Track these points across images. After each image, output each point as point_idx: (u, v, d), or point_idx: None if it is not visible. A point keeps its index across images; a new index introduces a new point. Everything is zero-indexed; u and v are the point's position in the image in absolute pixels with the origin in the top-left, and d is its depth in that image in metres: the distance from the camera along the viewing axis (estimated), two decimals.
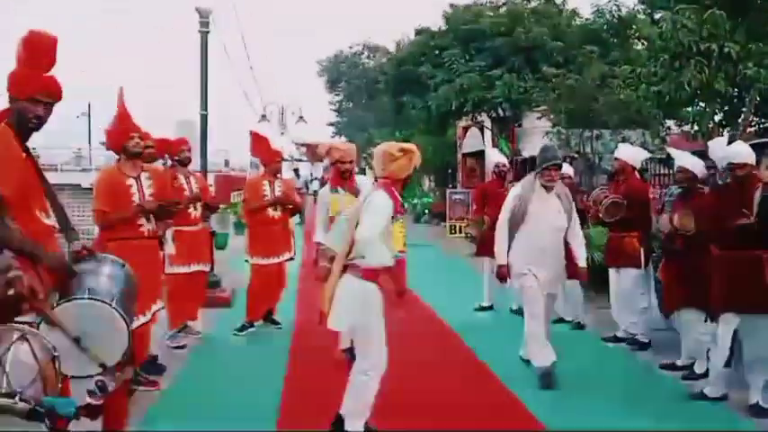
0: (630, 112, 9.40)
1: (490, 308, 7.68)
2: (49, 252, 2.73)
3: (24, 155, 2.85)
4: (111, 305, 2.81)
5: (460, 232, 16.23)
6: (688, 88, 7.05)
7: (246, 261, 6.65)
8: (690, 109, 8.70)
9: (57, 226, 2.95)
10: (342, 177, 5.30)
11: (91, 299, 2.78)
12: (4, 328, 2.24)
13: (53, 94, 2.93)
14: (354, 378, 3.80)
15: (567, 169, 7.25)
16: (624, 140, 10.00)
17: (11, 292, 1.34)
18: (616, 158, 6.35)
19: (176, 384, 4.97)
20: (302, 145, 38.86)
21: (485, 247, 7.68)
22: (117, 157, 4.72)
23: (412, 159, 3.87)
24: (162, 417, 4.30)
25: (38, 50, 2.91)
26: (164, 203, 4.70)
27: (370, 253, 3.69)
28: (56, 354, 2.33)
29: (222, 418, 4.26)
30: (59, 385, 2.42)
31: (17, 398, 2.12)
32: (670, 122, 10.38)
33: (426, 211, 20.72)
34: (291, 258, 6.79)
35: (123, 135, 4.55)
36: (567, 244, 5.32)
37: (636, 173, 6.31)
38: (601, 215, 5.98)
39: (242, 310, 6.69)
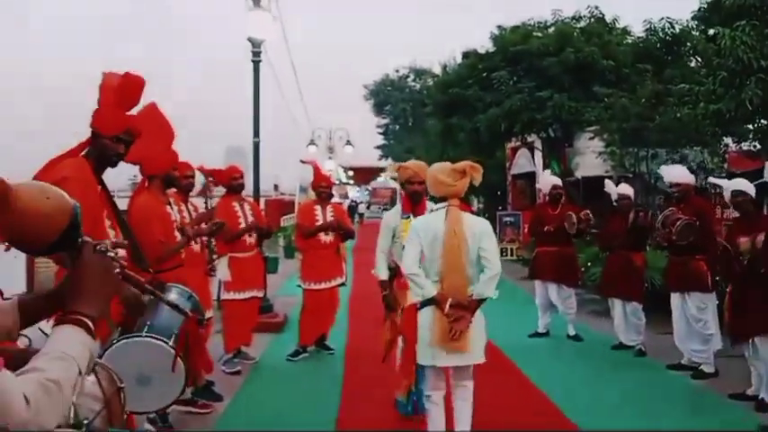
0: (687, 131, 9.14)
1: (546, 334, 7.49)
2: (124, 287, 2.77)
3: (99, 187, 2.94)
4: (169, 344, 2.82)
5: (511, 255, 16.00)
6: (749, 106, 6.80)
7: (299, 286, 6.69)
8: (750, 126, 8.41)
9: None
10: (412, 200, 4.75)
11: (149, 337, 2.79)
12: None
13: (135, 133, 3.04)
14: (468, 402, 3.86)
15: (626, 189, 7.08)
16: (682, 159, 9.74)
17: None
18: (677, 184, 6.06)
19: (231, 410, 4.98)
20: (348, 168, 39.35)
21: (539, 269, 7.57)
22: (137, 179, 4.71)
23: (474, 176, 3.90)
24: None
25: (129, 93, 3.04)
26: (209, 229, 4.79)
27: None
28: (122, 385, 2.35)
29: None
30: (125, 417, 2.44)
31: (83, 429, 2.14)
32: (728, 140, 10.05)
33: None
34: (343, 284, 6.79)
35: (168, 162, 4.55)
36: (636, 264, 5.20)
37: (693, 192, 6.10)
38: (674, 237, 5.74)
39: (294, 334, 6.72)
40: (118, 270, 1.41)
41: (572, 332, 7.36)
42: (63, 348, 1.21)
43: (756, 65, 6.73)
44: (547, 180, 7.94)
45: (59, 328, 1.26)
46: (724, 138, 9.78)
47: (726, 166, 11.01)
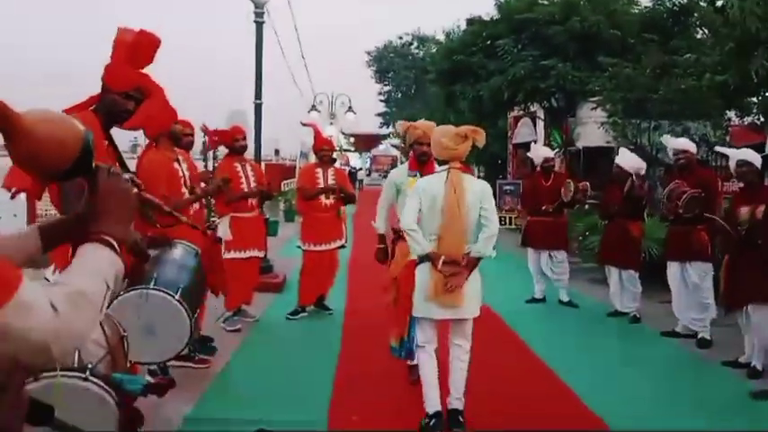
0: (691, 103, 9.10)
1: (542, 300, 7.59)
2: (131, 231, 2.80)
3: (107, 143, 2.95)
4: (175, 298, 2.87)
5: (510, 224, 16.06)
6: (755, 77, 6.77)
7: (299, 247, 6.75)
8: (755, 99, 8.37)
9: None
10: (419, 161, 4.73)
11: (156, 289, 2.84)
12: None
13: (146, 90, 3.03)
14: (463, 363, 3.93)
15: (625, 158, 7.06)
16: (684, 131, 9.71)
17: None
18: (683, 151, 6.07)
19: (231, 367, 5.07)
20: (350, 135, 39.16)
21: (529, 238, 7.65)
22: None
23: (476, 140, 3.90)
24: (216, 398, 4.39)
25: (143, 50, 3.01)
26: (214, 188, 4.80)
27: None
28: (124, 334, 2.39)
29: (276, 401, 4.33)
30: (128, 365, 2.49)
31: (88, 372, 2.19)
32: (731, 114, 10.01)
33: None
34: (343, 246, 6.84)
35: (169, 118, 4.57)
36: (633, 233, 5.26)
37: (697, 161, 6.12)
38: (681, 211, 5.76)
39: (294, 295, 6.80)
40: (135, 191, 1.44)
41: (565, 298, 7.45)
42: (88, 264, 1.22)
43: (764, 35, 6.67)
44: (539, 152, 7.96)
45: (84, 247, 1.27)
46: (727, 111, 9.75)
47: (728, 139, 10.98)
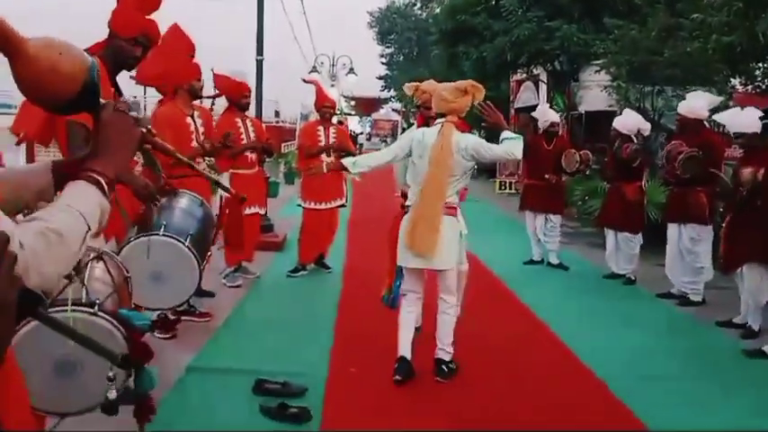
0: (695, 67, 9.00)
1: (540, 262, 7.64)
2: (136, 175, 2.80)
3: (113, 90, 2.93)
4: (185, 244, 2.89)
5: (510, 188, 16.08)
6: (762, 39, 6.68)
7: (299, 205, 6.77)
8: (760, 65, 8.28)
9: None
10: (427, 125, 4.61)
11: (165, 235, 2.86)
12: None
13: (153, 38, 3.00)
14: (446, 315, 4.04)
15: (643, 123, 7.01)
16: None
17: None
18: (678, 114, 6.11)
19: (232, 321, 5.13)
20: (351, 98, 38.82)
21: (527, 201, 7.66)
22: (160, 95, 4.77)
23: (476, 96, 3.96)
24: (217, 350, 4.46)
25: None
26: (223, 142, 4.81)
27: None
28: (128, 275, 2.42)
29: (275, 354, 4.40)
30: (132, 305, 2.53)
31: (96, 308, 2.23)
32: (735, 81, 9.92)
33: (475, 166, 20.49)
34: (343, 205, 6.86)
35: (191, 73, 4.61)
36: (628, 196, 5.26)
37: (706, 124, 6.05)
38: (678, 172, 5.76)
39: (294, 254, 6.84)
40: (142, 130, 1.36)
41: (554, 261, 7.49)
42: (71, 202, 1.18)
43: None
44: (546, 115, 7.82)
45: (71, 184, 1.23)
46: (732, 78, 9.65)
47: (732, 104, 10.89)
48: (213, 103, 6.19)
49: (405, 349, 3.99)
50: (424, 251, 3.87)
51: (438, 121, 4.04)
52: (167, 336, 4.49)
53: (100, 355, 1.38)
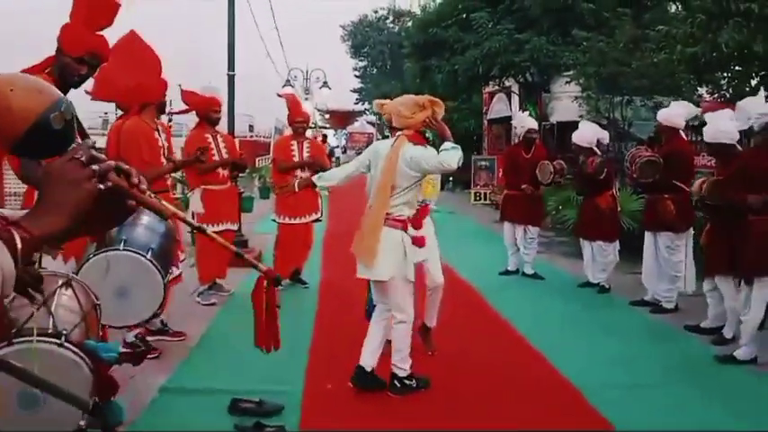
0: (662, 77, 9.19)
1: (516, 272, 7.67)
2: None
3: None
4: (146, 257, 2.85)
5: (485, 199, 16.17)
6: (725, 49, 6.84)
7: (274, 221, 6.72)
8: (724, 74, 8.47)
9: None
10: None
11: (126, 250, 2.81)
12: (48, 274, 2.28)
13: (101, 56, 2.95)
14: (394, 330, 4.01)
15: (600, 132, 7.13)
16: (656, 106, 9.80)
17: (102, 186, 1.11)
18: (657, 122, 6.22)
19: (206, 339, 5.06)
20: (325, 112, 38.81)
21: (507, 212, 7.69)
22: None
23: (436, 110, 4.01)
24: (191, 370, 4.39)
25: (100, 12, 2.92)
26: (191, 159, 4.79)
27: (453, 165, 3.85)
28: (98, 302, 2.37)
29: (251, 372, 4.33)
30: (100, 333, 2.47)
31: (63, 338, 2.17)
32: (702, 90, 10.13)
33: (450, 178, 20.60)
34: (318, 220, 6.83)
35: (160, 89, 4.59)
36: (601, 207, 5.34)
37: (681, 133, 6.13)
38: (635, 176, 5.85)
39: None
40: (102, 186, 1.12)
41: (529, 271, 7.54)
42: None
43: (734, 8, 6.72)
44: (524, 122, 7.87)
45: None
46: (698, 87, 9.86)
47: (699, 114, 11.11)
48: (171, 120, 6.15)
49: (364, 359, 4.01)
50: (364, 261, 3.93)
51: (397, 134, 4.09)
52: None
53: (69, 404, 1.30)
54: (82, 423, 1.87)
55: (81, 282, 2.37)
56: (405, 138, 4.00)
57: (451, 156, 3.82)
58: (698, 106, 10.54)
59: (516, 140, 7.89)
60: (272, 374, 4.28)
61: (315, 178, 4.59)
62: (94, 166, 1.11)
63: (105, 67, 3.14)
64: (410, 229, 4.05)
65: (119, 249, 2.75)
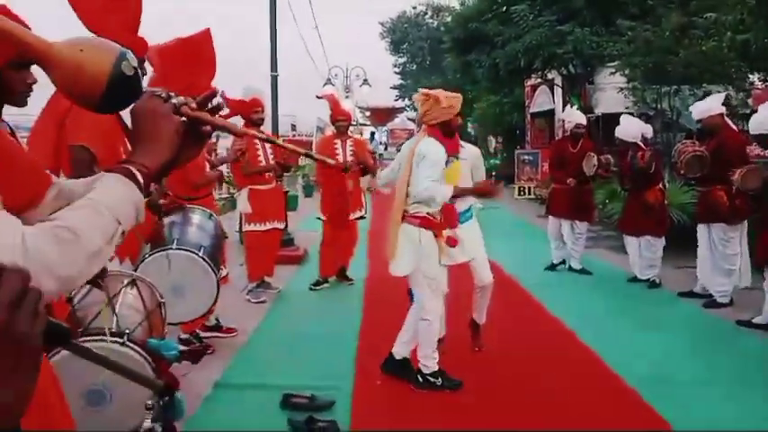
0: (712, 65, 8.94)
1: (562, 263, 7.60)
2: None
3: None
4: (200, 255, 2.95)
5: (529, 193, 16.01)
6: None
7: (319, 219, 6.81)
8: None
9: None
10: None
11: (180, 249, 2.92)
12: (114, 274, 2.39)
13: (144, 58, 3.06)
14: (418, 326, 4.05)
15: (644, 127, 6.99)
16: (705, 95, 9.55)
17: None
18: (698, 121, 6.08)
19: (257, 336, 5.18)
20: (366, 109, 38.96)
21: (554, 206, 7.61)
22: None
23: (453, 105, 4.00)
24: (243, 366, 4.50)
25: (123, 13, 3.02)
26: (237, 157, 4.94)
27: (431, 202, 3.91)
28: (162, 300, 2.47)
29: (301, 368, 4.43)
30: (165, 331, 2.57)
31: (125, 338, 2.27)
32: (753, 77, 9.82)
33: (493, 172, 20.46)
34: (363, 217, 6.89)
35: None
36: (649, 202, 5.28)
37: (728, 121, 5.97)
38: (682, 171, 5.75)
39: (315, 267, 6.89)
40: (180, 115, 1.20)
41: (577, 266, 7.45)
42: (94, 196, 1.08)
43: None
44: (572, 116, 7.75)
45: (102, 177, 1.13)
46: (749, 75, 9.56)
47: (750, 102, 10.78)
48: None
49: (395, 347, 4.18)
50: (388, 256, 4.00)
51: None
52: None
53: (140, 384, 1.37)
54: (148, 420, 1.95)
55: (146, 281, 2.47)
56: (424, 133, 4.07)
57: (432, 192, 3.84)
58: (749, 94, 10.27)
59: (562, 134, 7.76)
60: (323, 370, 4.37)
61: (378, 182, 4.71)
62: (173, 100, 1.20)
63: (165, 64, 3.23)
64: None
65: (172, 248, 2.86)
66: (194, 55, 3.95)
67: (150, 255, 2.97)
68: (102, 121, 2.85)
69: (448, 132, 4.06)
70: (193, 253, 2.83)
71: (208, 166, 4.81)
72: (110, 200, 1.08)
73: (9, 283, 0.62)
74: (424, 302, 4.03)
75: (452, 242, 4.08)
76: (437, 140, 4.00)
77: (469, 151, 4.61)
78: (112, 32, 2.92)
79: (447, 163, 4.01)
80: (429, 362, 4.05)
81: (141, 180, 1.13)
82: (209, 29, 4.02)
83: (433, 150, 3.95)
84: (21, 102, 2.21)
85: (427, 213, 3.98)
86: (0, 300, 0.61)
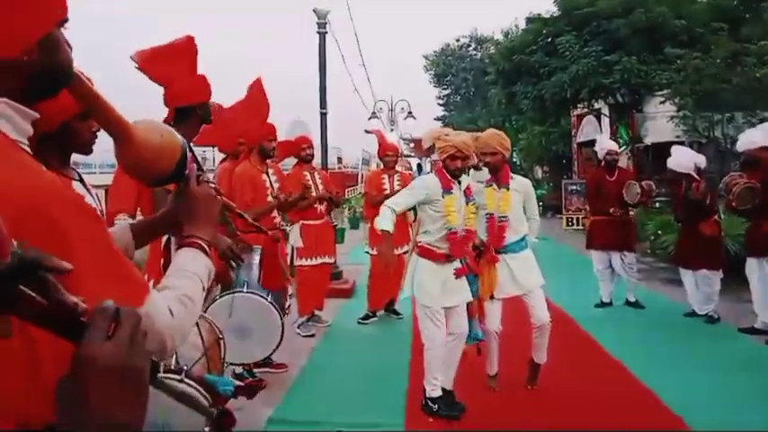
0: (767, 92, 8.75)
1: (610, 304, 7.35)
2: (221, 237, 2.93)
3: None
4: (267, 300, 3.01)
5: (578, 224, 15.76)
6: None
7: (367, 252, 6.86)
8: None
9: None
10: (489, 171, 4.62)
11: (250, 293, 3.00)
12: None
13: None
14: (428, 352, 4.23)
15: (697, 157, 6.82)
16: (761, 122, 9.31)
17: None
18: (741, 152, 5.98)
19: (308, 370, 5.21)
20: (410, 141, 39.24)
21: (596, 238, 7.36)
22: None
23: (442, 148, 4.16)
24: (296, 401, 4.52)
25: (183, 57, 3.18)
26: (297, 197, 5.05)
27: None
28: (221, 336, 2.53)
29: (353, 404, 4.43)
30: (223, 368, 2.62)
31: (183, 374, 2.32)
32: None
33: (540, 203, 20.24)
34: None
35: (264, 135, 4.89)
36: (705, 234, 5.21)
37: None
38: (734, 203, 5.61)
39: (363, 300, 6.92)
40: (219, 198, 1.51)
41: (632, 299, 7.24)
42: (188, 268, 1.33)
43: None
44: (603, 143, 7.58)
45: (181, 251, 1.38)
46: None
47: None
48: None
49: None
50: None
51: None
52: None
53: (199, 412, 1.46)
54: None
55: (206, 317, 2.54)
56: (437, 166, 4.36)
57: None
58: None
59: (601, 164, 7.56)
60: (374, 406, 4.36)
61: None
62: (212, 185, 1.49)
63: (228, 118, 3.39)
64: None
65: (243, 292, 2.94)
66: (251, 105, 4.18)
67: (221, 296, 3.07)
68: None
69: (450, 171, 4.17)
70: (262, 297, 2.93)
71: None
72: (198, 269, 1.35)
73: (128, 322, 0.75)
74: (422, 330, 4.23)
75: (459, 272, 4.18)
76: (436, 175, 4.23)
77: (520, 182, 4.63)
78: (179, 79, 3.09)
79: (443, 195, 4.14)
80: (429, 386, 4.20)
81: (209, 252, 1.40)
82: (259, 78, 4.31)
83: (418, 184, 4.37)
84: (87, 150, 2.35)
85: (427, 243, 4.18)
86: (122, 335, 0.73)
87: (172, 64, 3.10)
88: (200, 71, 3.18)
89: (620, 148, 9.91)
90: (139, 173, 1.43)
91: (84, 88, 1.25)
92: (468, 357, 4.42)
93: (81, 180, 2.43)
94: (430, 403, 4.18)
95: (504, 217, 4.46)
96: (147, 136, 1.38)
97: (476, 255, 4.48)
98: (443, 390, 4.21)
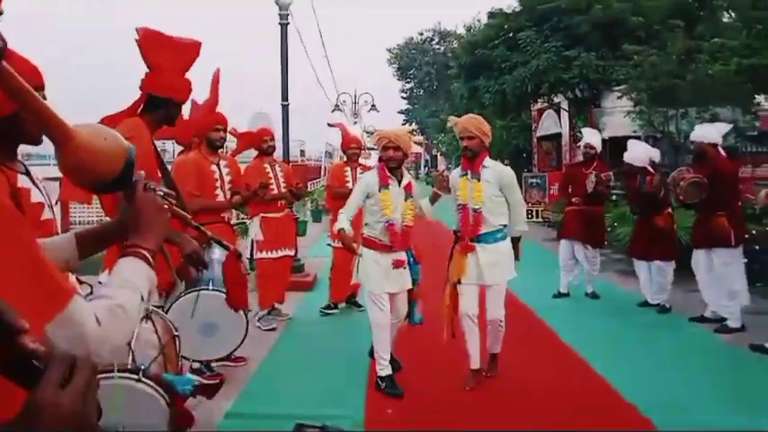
0: (719, 89, 8.99)
1: (567, 295, 7.51)
2: (188, 239, 2.85)
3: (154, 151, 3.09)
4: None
5: (537, 217, 16.00)
6: None
7: (329, 245, 6.85)
8: None
9: None
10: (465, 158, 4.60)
11: (215, 290, 2.96)
12: None
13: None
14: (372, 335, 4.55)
15: (652, 151, 7.00)
16: (713, 118, 9.57)
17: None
18: (692, 142, 6.19)
19: (268, 364, 5.18)
20: (371, 133, 39.27)
21: (567, 228, 7.57)
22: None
23: (379, 136, 4.56)
24: (255, 395, 4.49)
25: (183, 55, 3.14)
26: (250, 195, 4.99)
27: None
28: (177, 333, 2.49)
29: (312, 396, 4.41)
30: (180, 364, 2.59)
31: (140, 374, 2.29)
32: (760, 98, 9.86)
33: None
34: None
35: (210, 125, 4.80)
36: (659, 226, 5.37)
37: (721, 151, 6.03)
38: (681, 197, 5.80)
39: (324, 293, 6.91)
40: (166, 206, 1.47)
41: (589, 290, 7.43)
42: (127, 277, 1.30)
43: None
44: (587, 138, 7.70)
45: (122, 260, 1.35)
46: (756, 96, 9.60)
47: (758, 124, 10.81)
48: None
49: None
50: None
51: None
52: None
53: None
54: None
55: (161, 314, 2.50)
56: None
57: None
58: (757, 116, 10.30)
59: (570, 158, 7.77)
60: (333, 398, 4.36)
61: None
62: (159, 192, 1.45)
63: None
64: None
65: (208, 289, 2.91)
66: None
67: (186, 293, 3.04)
68: (149, 152, 2.96)
69: (388, 166, 4.48)
70: (223, 293, 2.90)
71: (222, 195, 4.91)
72: (138, 280, 1.32)
73: (84, 371, 0.77)
74: (369, 313, 4.53)
75: (395, 264, 4.43)
76: (377, 172, 4.53)
77: (494, 171, 4.55)
78: (169, 70, 3.04)
79: (380, 190, 4.44)
80: (378, 367, 4.47)
81: (152, 261, 1.38)
82: (218, 68, 4.33)
83: (360, 181, 4.75)
84: (36, 141, 2.28)
85: (368, 234, 4.51)
86: (77, 383, 0.75)
87: (170, 54, 3.07)
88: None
89: (576, 142, 10.12)
90: (77, 177, 1.37)
91: (13, 84, 1.19)
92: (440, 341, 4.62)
93: (28, 173, 2.36)
94: (379, 381, 4.44)
95: (476, 208, 4.45)
96: (90, 139, 1.33)
97: (453, 240, 4.66)
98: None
